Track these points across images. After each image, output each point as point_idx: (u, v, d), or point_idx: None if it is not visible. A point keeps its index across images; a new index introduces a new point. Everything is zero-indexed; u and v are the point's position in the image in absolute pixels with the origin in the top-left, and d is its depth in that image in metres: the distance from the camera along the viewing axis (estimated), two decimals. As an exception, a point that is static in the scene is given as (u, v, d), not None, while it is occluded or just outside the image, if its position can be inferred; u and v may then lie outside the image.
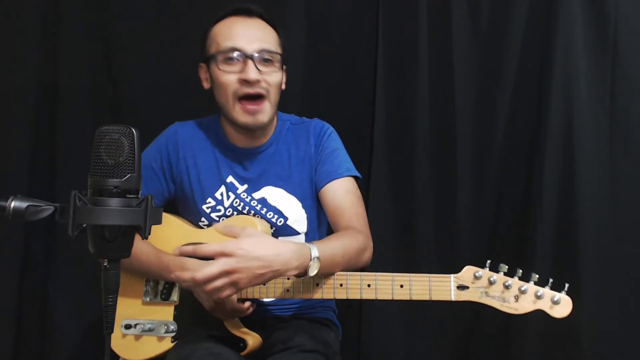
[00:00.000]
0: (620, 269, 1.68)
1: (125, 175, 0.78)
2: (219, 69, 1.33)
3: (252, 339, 1.28)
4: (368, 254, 1.33)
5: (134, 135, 0.79)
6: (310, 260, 1.13)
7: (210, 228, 1.37)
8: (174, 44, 1.81)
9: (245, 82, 1.31)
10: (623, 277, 1.68)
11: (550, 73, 1.69)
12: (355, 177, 1.43)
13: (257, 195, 1.41)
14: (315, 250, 1.14)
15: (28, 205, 0.79)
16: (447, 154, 1.79)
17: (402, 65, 1.79)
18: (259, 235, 1.21)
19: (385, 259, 1.72)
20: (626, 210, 1.70)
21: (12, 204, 0.79)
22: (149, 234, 0.80)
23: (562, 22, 1.68)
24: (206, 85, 1.41)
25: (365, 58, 1.81)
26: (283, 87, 1.42)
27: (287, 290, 1.23)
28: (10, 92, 1.79)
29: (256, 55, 1.31)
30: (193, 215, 1.43)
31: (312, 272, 1.14)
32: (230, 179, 1.42)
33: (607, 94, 1.71)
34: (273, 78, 1.35)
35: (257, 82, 1.31)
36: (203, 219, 1.41)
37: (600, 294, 1.66)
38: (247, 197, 1.41)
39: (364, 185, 1.68)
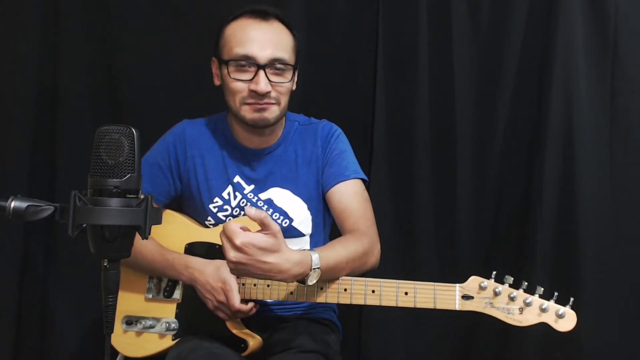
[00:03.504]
0: (620, 268, 1.68)
1: (125, 175, 0.78)
2: (230, 76, 1.32)
3: (253, 340, 1.28)
4: (374, 258, 1.32)
5: (134, 135, 0.79)
6: (311, 270, 1.12)
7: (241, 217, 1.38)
8: (174, 44, 1.81)
9: (255, 93, 1.30)
10: (623, 277, 1.68)
11: (550, 73, 1.69)
12: (363, 180, 1.43)
13: (263, 196, 1.41)
14: (316, 259, 1.13)
15: (28, 205, 0.79)
16: (447, 154, 1.79)
17: (402, 65, 1.78)
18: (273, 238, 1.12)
19: (385, 259, 1.69)
20: (626, 210, 1.70)
21: (12, 204, 0.79)
22: (149, 234, 0.80)
23: (562, 22, 1.68)
24: (217, 81, 1.41)
25: (365, 58, 1.81)
26: (293, 87, 1.41)
27: (291, 293, 1.23)
28: (10, 92, 1.79)
29: (268, 65, 1.30)
30: (200, 215, 1.43)
31: (311, 281, 1.13)
32: (237, 179, 1.41)
33: (607, 94, 1.70)
34: (284, 87, 1.34)
35: (268, 93, 1.31)
36: (210, 218, 1.41)
37: (600, 293, 1.66)
38: (253, 198, 1.41)
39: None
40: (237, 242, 1.06)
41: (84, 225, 0.77)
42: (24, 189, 1.76)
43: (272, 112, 1.34)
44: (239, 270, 1.10)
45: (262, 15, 1.35)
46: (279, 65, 1.32)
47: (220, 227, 1.38)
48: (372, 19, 1.79)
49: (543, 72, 1.72)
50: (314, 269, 1.12)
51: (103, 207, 0.77)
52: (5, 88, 1.80)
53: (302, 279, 1.14)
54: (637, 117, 1.69)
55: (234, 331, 1.28)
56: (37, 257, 1.83)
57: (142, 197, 0.80)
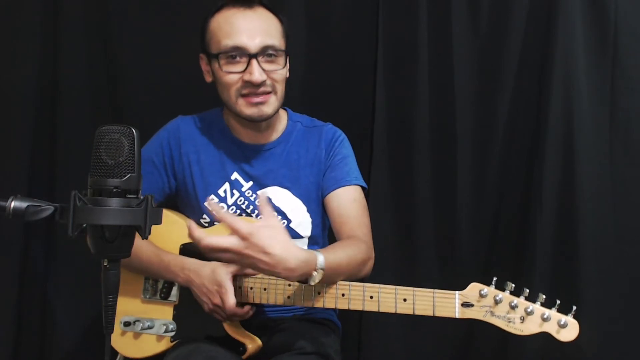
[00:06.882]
0: (620, 269, 1.68)
1: (125, 175, 0.78)
2: (222, 69, 1.30)
3: (252, 343, 1.28)
4: (369, 266, 1.30)
5: (134, 135, 0.79)
6: (315, 270, 1.10)
7: (220, 223, 1.34)
8: (174, 43, 1.81)
9: (250, 83, 1.28)
10: (623, 277, 1.68)
11: (550, 73, 1.69)
12: (362, 188, 1.42)
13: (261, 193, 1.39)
14: (321, 260, 1.10)
15: (28, 205, 0.79)
16: (447, 154, 1.79)
17: (402, 65, 1.78)
18: (276, 228, 1.09)
19: (384, 259, 1.72)
20: (626, 210, 1.69)
21: (12, 204, 0.79)
22: (149, 234, 0.80)
23: (562, 22, 1.68)
24: (208, 78, 1.39)
25: (365, 58, 1.80)
26: (287, 75, 1.39)
27: (288, 297, 1.22)
28: (10, 92, 1.79)
29: (260, 53, 1.28)
30: (195, 213, 1.41)
31: (313, 281, 1.11)
32: (235, 175, 1.40)
33: (607, 94, 1.70)
34: (278, 75, 1.32)
35: (263, 82, 1.29)
36: (205, 216, 1.40)
37: (600, 294, 1.66)
38: (251, 196, 1.39)
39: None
40: (244, 231, 1.01)
41: (84, 225, 0.77)
42: (24, 189, 1.76)
43: (270, 104, 1.32)
44: (235, 261, 1.05)
45: (246, 3, 1.32)
46: (270, 52, 1.30)
47: (216, 226, 1.38)
48: (372, 18, 1.79)
49: (543, 72, 1.72)
50: (318, 269, 1.10)
51: (103, 207, 0.77)
52: (5, 88, 1.80)
53: (304, 279, 1.12)
54: (637, 117, 1.69)
55: (232, 334, 1.27)
56: (37, 257, 1.82)
57: (142, 197, 0.80)
